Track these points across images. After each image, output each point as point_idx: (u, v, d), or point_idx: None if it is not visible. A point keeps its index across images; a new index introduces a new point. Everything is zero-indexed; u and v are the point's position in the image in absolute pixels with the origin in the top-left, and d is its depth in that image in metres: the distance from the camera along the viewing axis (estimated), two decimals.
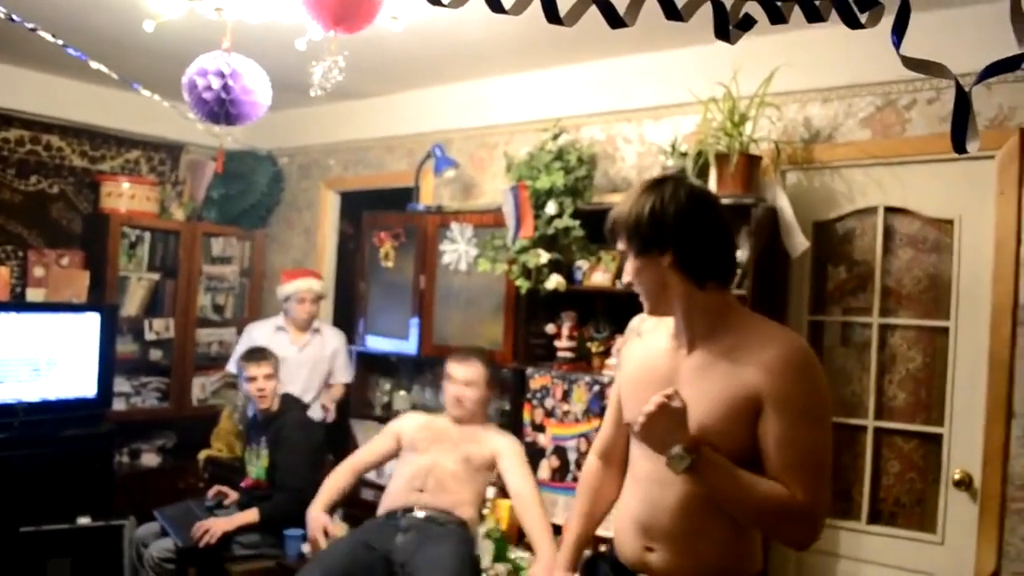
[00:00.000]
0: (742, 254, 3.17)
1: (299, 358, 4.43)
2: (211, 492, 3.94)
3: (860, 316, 3.26)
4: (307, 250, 5.21)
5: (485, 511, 3.34)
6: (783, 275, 3.34)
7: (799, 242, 3.10)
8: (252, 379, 3.81)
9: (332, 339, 4.60)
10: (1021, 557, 2.84)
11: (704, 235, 1.76)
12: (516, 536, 3.26)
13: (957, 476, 3.01)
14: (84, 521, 3.98)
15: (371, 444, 3.62)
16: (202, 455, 4.50)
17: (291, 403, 3.99)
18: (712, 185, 3.23)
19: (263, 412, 3.86)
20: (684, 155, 3.23)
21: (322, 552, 3.09)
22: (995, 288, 2.94)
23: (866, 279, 3.25)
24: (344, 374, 4.59)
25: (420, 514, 3.21)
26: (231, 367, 4.23)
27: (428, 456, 3.39)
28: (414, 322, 4.10)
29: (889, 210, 3.20)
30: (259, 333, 4.49)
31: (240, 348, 4.35)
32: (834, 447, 3.13)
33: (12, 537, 3.83)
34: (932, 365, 3.12)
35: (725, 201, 3.07)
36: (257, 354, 3.90)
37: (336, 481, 3.48)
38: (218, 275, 5.18)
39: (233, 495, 3.91)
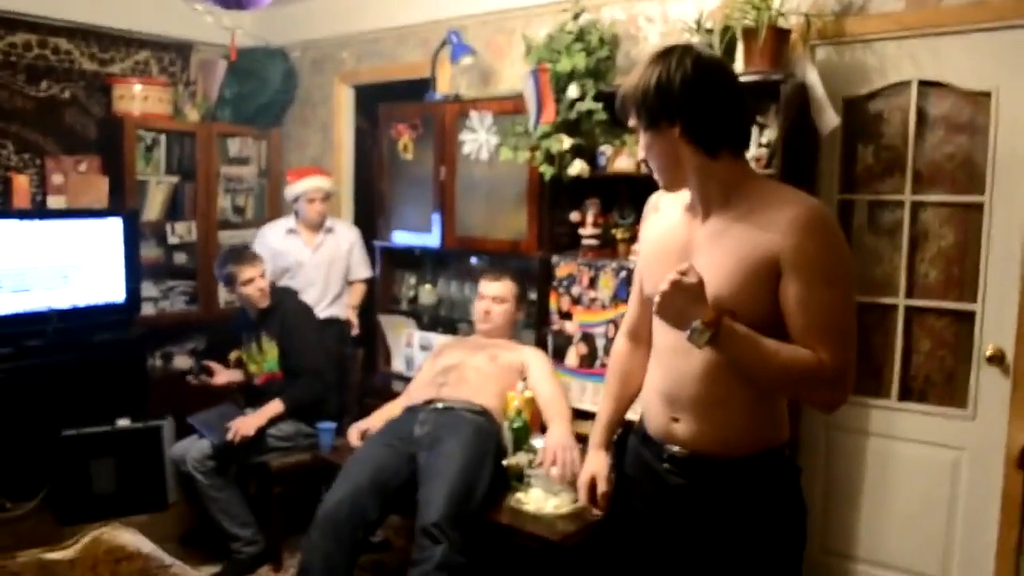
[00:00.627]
0: (771, 133, 3.09)
1: (315, 259, 4.40)
2: (204, 362, 4.03)
3: (891, 194, 3.18)
4: (324, 147, 5.14)
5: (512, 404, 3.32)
6: (812, 154, 3.25)
7: (829, 119, 3.00)
8: (250, 281, 3.77)
9: (346, 235, 4.55)
10: None
11: (713, 103, 1.69)
12: (539, 427, 3.27)
13: (989, 352, 3.00)
14: (123, 423, 4.08)
15: (419, 373, 3.64)
16: (233, 355, 4.54)
17: (281, 293, 3.99)
18: (739, 62, 3.11)
19: (257, 310, 3.86)
20: (710, 32, 3.10)
21: (348, 463, 3.06)
22: None
23: (898, 156, 3.15)
24: (363, 269, 4.57)
25: (439, 405, 3.21)
26: (218, 278, 4.04)
27: (454, 357, 3.44)
28: (436, 215, 4.06)
29: (923, 84, 3.07)
30: (272, 236, 4.45)
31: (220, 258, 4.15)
32: (864, 326, 3.17)
33: (55, 441, 3.94)
34: (965, 242, 3.06)
35: (752, 78, 3.00)
36: (246, 255, 3.85)
37: (389, 411, 3.46)
38: (236, 176, 5.13)
39: (220, 369, 3.99)
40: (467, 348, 3.52)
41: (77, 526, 3.67)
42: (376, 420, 3.40)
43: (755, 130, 3.15)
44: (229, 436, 3.51)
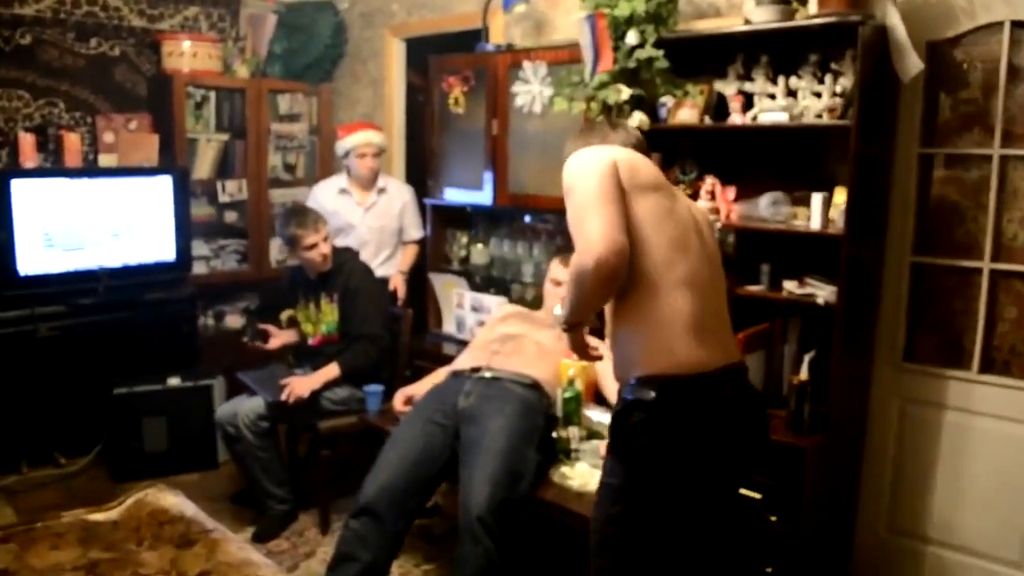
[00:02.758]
0: (845, 81, 2.86)
1: (367, 220, 4.29)
2: (260, 326, 3.94)
3: (978, 148, 2.93)
4: (375, 103, 5.01)
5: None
6: (891, 104, 3.01)
7: (912, 64, 2.75)
8: (313, 246, 3.65)
9: (399, 194, 4.42)
10: None
11: None
12: (592, 397, 3.10)
13: None
14: (174, 382, 4.08)
15: (475, 338, 3.49)
16: (284, 315, 4.48)
17: (343, 253, 3.86)
18: (812, 3, 2.87)
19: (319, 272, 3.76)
20: None
21: (388, 444, 2.88)
22: None
23: (986, 106, 2.89)
24: (416, 230, 4.44)
25: (487, 374, 3.00)
26: (280, 236, 3.99)
27: (517, 328, 3.24)
28: (488, 172, 3.91)
29: (1017, 25, 2.80)
30: (324, 195, 4.33)
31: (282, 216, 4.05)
32: (943, 291, 3.03)
33: (107, 398, 3.94)
34: None
35: (828, 20, 2.77)
36: (310, 217, 3.69)
37: (437, 377, 3.30)
38: (287, 133, 5.04)
39: (276, 331, 3.90)
40: (534, 323, 3.31)
41: (129, 483, 3.72)
42: (423, 386, 3.27)
43: (828, 78, 2.93)
44: (284, 396, 3.45)
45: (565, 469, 2.76)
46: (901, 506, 3.18)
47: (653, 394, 1.90)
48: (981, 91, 2.90)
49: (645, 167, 2.06)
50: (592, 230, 1.85)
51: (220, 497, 3.83)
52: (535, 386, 2.97)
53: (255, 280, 5.01)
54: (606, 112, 3.19)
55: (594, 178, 1.93)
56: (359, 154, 4.20)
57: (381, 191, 4.34)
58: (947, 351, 3.05)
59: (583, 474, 2.72)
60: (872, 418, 3.21)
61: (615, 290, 1.94)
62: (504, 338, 3.18)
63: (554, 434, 2.88)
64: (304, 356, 3.88)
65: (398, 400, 3.25)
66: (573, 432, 2.86)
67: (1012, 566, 2.95)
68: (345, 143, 4.23)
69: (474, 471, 2.64)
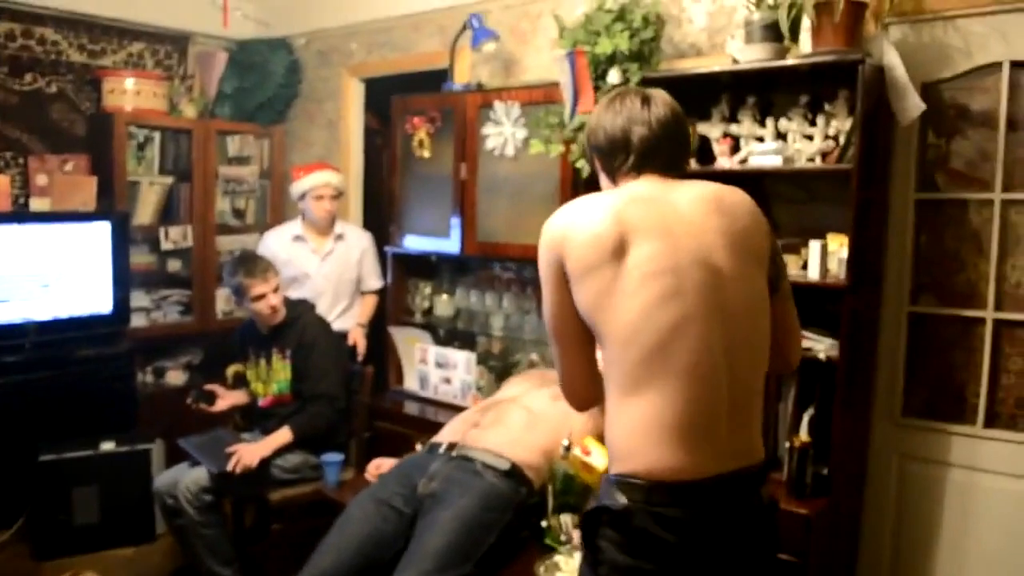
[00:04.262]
0: (838, 123, 2.72)
1: (323, 268, 4.02)
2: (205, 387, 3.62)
3: (978, 192, 2.80)
4: (331, 146, 4.77)
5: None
6: (887, 147, 2.87)
7: (914, 105, 2.62)
8: (261, 297, 3.36)
9: (358, 241, 4.16)
10: None
11: None
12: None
13: None
14: (108, 447, 3.73)
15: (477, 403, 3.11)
16: (230, 370, 4.16)
17: (298, 306, 3.57)
18: (806, 41, 2.74)
19: (269, 325, 3.47)
20: (774, 7, 2.71)
21: (338, 522, 2.51)
22: None
23: (986, 149, 2.77)
24: (376, 279, 4.18)
25: (457, 453, 2.61)
26: (227, 286, 3.65)
27: (512, 390, 2.88)
28: (455, 218, 3.68)
29: (1016, 65, 2.69)
30: (276, 242, 4.05)
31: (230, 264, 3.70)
32: (945, 342, 2.84)
33: (32, 466, 3.57)
34: None
35: (826, 59, 2.63)
36: (260, 266, 3.40)
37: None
38: (236, 177, 4.76)
39: (223, 392, 3.60)
40: (534, 380, 2.96)
41: (55, 560, 3.34)
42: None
43: (821, 119, 2.79)
44: (230, 466, 3.12)
45: (559, 559, 2.33)
46: (904, 570, 3.00)
47: (624, 500, 1.58)
48: (980, 133, 2.78)
49: (600, 224, 1.62)
50: (562, 376, 1.77)
51: (159, 575, 3.46)
52: (512, 473, 2.53)
53: (199, 333, 4.68)
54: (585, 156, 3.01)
55: (545, 294, 1.72)
56: (316, 196, 3.94)
57: (339, 237, 4.07)
58: (949, 405, 2.90)
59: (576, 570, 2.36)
60: (870, 477, 3.03)
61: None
62: (492, 404, 2.85)
63: (544, 523, 2.49)
64: (254, 418, 3.56)
65: (370, 470, 2.93)
66: (567, 520, 2.44)
67: None
68: (301, 184, 3.97)
69: (405, 568, 2.28)
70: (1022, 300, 2.75)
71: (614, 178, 1.79)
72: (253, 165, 4.84)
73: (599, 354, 1.70)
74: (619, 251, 1.60)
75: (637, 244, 1.60)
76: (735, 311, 1.64)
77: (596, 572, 1.64)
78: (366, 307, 4.16)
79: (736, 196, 1.77)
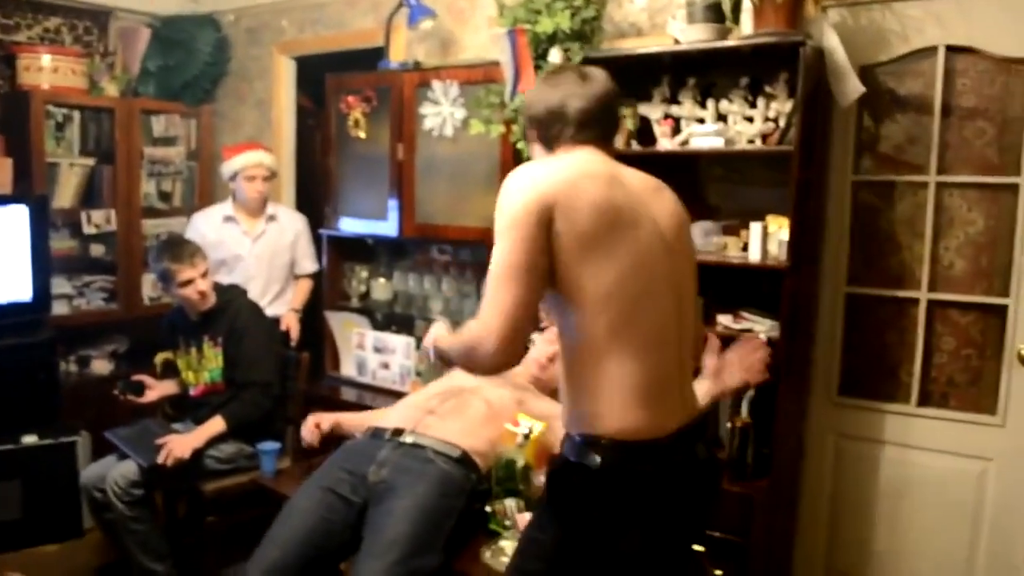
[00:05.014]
0: (779, 105, 2.73)
1: (255, 251, 3.89)
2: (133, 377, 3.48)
3: (913, 175, 2.84)
4: (261, 126, 4.62)
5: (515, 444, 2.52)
6: (825, 129, 2.89)
7: (853, 87, 2.64)
8: (189, 282, 3.22)
9: (291, 223, 4.03)
10: None
11: None
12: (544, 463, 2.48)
13: (1022, 351, 2.68)
14: (30, 440, 3.58)
15: (424, 388, 2.94)
16: (159, 358, 4.02)
17: (229, 291, 3.44)
18: (748, 22, 2.73)
19: (198, 312, 3.34)
20: None
21: (282, 513, 2.42)
22: None
23: (921, 132, 2.82)
24: (310, 262, 4.07)
25: (408, 439, 2.51)
26: (153, 272, 3.48)
27: (473, 381, 2.68)
28: (393, 200, 3.60)
29: (951, 50, 2.74)
30: (206, 224, 3.91)
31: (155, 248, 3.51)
32: (880, 322, 2.87)
33: None
34: (996, 228, 2.76)
35: (768, 40, 2.63)
36: (186, 250, 3.26)
37: (361, 419, 2.84)
38: (162, 158, 4.58)
39: (152, 382, 3.47)
40: (500, 378, 2.74)
41: None
42: (342, 418, 2.85)
43: (761, 101, 2.80)
44: (161, 458, 3.00)
45: (504, 544, 2.30)
46: (839, 546, 3.07)
47: (598, 460, 1.69)
48: (915, 117, 2.82)
49: (597, 196, 1.68)
50: (492, 315, 1.65)
51: (86, 571, 3.35)
52: (463, 460, 2.47)
53: (125, 320, 4.51)
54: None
55: (513, 233, 1.66)
56: (248, 176, 3.81)
57: (271, 219, 3.95)
58: (884, 384, 2.96)
59: None
60: (808, 456, 3.07)
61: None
62: (448, 394, 2.71)
63: (488, 507, 2.44)
64: (185, 408, 3.44)
65: (308, 428, 2.82)
66: (510, 504, 2.41)
67: None
68: (232, 164, 3.84)
69: (365, 560, 2.21)
70: (955, 281, 2.82)
71: (551, 146, 1.85)
72: (179, 146, 4.67)
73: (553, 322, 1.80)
74: (612, 221, 1.68)
75: (619, 216, 1.69)
76: (684, 284, 1.82)
77: (561, 527, 1.74)
78: (300, 292, 4.05)
79: (666, 187, 1.91)
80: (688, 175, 3.12)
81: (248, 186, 3.82)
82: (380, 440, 2.55)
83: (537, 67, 2.90)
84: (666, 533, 1.79)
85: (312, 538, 2.34)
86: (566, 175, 1.70)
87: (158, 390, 3.46)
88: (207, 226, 3.89)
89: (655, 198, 1.82)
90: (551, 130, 1.83)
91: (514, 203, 1.67)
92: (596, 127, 1.82)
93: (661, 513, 1.76)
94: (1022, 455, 2.71)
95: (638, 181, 1.82)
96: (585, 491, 1.71)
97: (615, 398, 1.68)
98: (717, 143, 2.81)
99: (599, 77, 1.84)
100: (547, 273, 1.66)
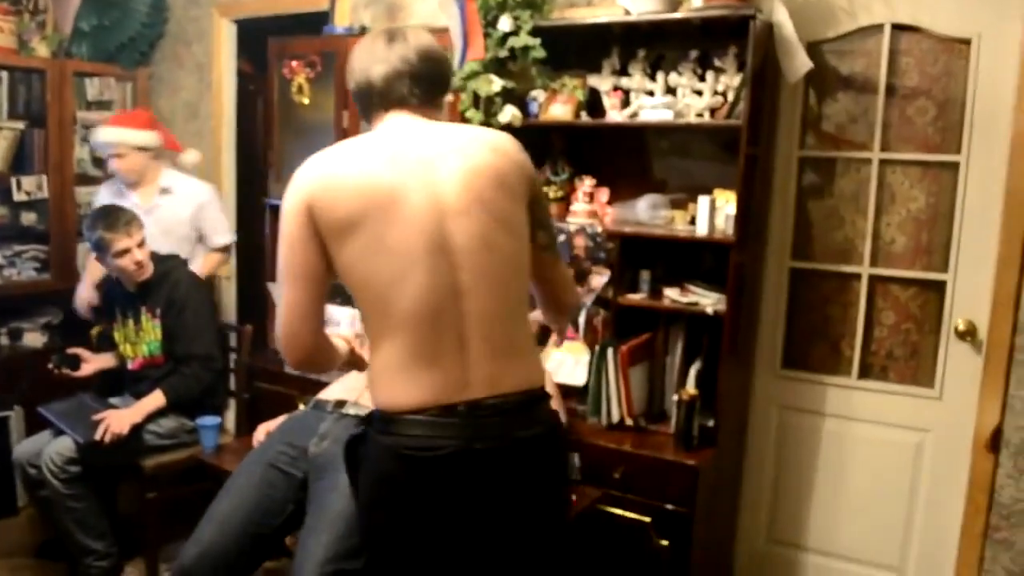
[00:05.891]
0: (727, 79, 2.74)
1: (149, 225, 3.43)
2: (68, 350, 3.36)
3: (857, 151, 2.87)
4: (200, 91, 4.48)
5: None
6: (772, 104, 2.90)
7: (801, 63, 2.65)
8: (125, 251, 3.11)
9: (192, 195, 3.76)
10: None
11: None
12: None
13: (960, 326, 2.76)
14: None
15: None
16: (95, 331, 3.90)
17: (168, 260, 3.33)
18: None
19: (135, 282, 3.24)
20: None
21: (221, 493, 2.38)
22: (1017, 117, 2.59)
23: (866, 109, 2.85)
24: (220, 235, 3.82)
25: (351, 411, 2.50)
26: (87, 241, 3.30)
27: None
28: None
29: (897, 28, 2.77)
30: (107, 195, 3.72)
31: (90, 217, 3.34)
32: (822, 297, 2.94)
33: None
34: (937, 205, 2.80)
35: (718, 13, 2.62)
36: (122, 219, 3.14)
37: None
38: (96, 123, 4.40)
39: (88, 355, 3.36)
40: None
41: None
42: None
43: (711, 75, 2.79)
44: (98, 434, 2.92)
45: None
46: (781, 516, 3.14)
47: (363, 428, 1.76)
48: (860, 93, 2.85)
49: (360, 180, 1.63)
50: (277, 319, 1.72)
51: (21, 551, 3.27)
52: None
53: (59, 292, 4.34)
54: (475, 105, 2.92)
55: (283, 238, 1.66)
56: (115, 154, 3.61)
57: (164, 192, 3.72)
58: (826, 358, 3.01)
59: None
60: (752, 428, 3.12)
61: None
62: None
63: None
64: (123, 382, 3.34)
65: (258, 434, 2.76)
66: None
67: (891, 571, 2.96)
68: (96, 137, 3.67)
69: (309, 536, 2.18)
70: (895, 257, 2.87)
71: (368, 119, 1.80)
72: (114, 110, 4.50)
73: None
74: (366, 205, 1.61)
75: (377, 195, 1.61)
76: (465, 247, 1.65)
77: (356, 487, 1.78)
78: (208, 264, 3.80)
79: (492, 141, 1.75)
80: (637, 148, 3.12)
81: (118, 164, 3.62)
82: (322, 412, 2.52)
83: (486, 34, 2.86)
84: (470, 513, 1.68)
85: (253, 514, 2.30)
86: (331, 168, 1.66)
87: (94, 363, 3.35)
88: (108, 197, 3.69)
89: (457, 159, 1.67)
90: (364, 102, 1.77)
91: (284, 206, 1.67)
92: (404, 89, 1.72)
93: (454, 491, 1.66)
94: (958, 427, 2.77)
95: (440, 143, 1.69)
96: (361, 454, 1.75)
97: (383, 374, 1.67)
98: (666, 116, 2.80)
99: (410, 36, 1.74)
100: (323, 271, 1.66)
